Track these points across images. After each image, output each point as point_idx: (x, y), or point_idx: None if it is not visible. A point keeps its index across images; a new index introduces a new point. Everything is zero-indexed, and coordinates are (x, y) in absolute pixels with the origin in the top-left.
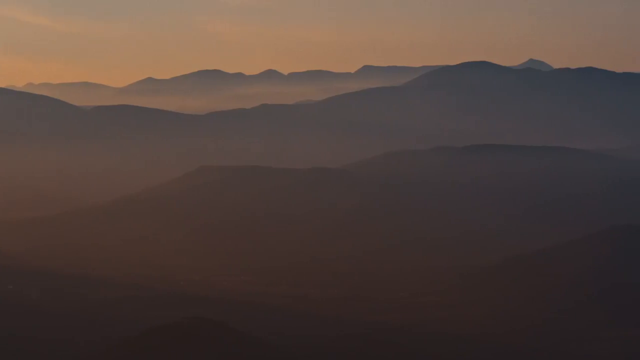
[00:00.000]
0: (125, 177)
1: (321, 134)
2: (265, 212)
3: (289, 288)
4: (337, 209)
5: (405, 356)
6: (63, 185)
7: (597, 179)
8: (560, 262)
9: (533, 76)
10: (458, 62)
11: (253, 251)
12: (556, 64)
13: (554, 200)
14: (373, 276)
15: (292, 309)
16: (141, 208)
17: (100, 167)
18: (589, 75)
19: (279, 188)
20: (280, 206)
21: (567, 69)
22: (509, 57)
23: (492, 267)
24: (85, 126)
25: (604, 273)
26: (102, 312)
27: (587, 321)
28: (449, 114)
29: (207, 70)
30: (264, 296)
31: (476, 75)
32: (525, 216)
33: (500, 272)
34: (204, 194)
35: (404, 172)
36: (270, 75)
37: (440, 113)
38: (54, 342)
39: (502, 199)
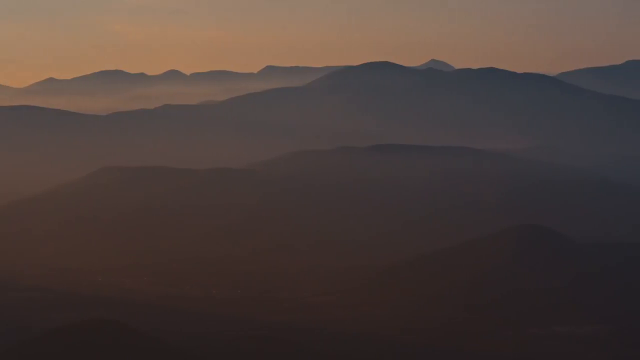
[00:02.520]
0: (27, 178)
1: (224, 134)
2: (167, 213)
3: (191, 288)
4: (239, 208)
5: (306, 356)
6: None
7: (499, 179)
8: (462, 262)
9: (435, 76)
10: (360, 63)
11: (155, 252)
12: (458, 64)
13: (456, 200)
14: (275, 276)
15: (194, 309)
16: (43, 209)
17: (1, 169)
18: (490, 75)
19: (182, 188)
20: (182, 206)
21: (469, 69)
22: (411, 58)
23: (394, 267)
24: None
25: (505, 272)
26: (1, 314)
27: (488, 321)
28: (351, 114)
29: (109, 71)
30: (166, 297)
31: (378, 76)
32: (428, 216)
33: (402, 273)
34: (107, 195)
35: (307, 172)
36: (172, 75)
37: (343, 113)
38: None
39: (404, 199)
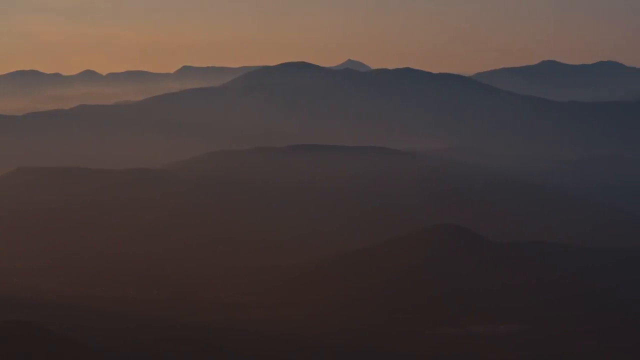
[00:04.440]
0: None
1: (141, 135)
2: (84, 213)
3: (108, 289)
4: (156, 209)
5: (225, 357)
6: None
7: (416, 179)
8: (380, 262)
9: (351, 77)
10: (277, 63)
11: (72, 252)
12: (374, 65)
13: (373, 200)
14: (193, 276)
15: (111, 310)
16: None
17: None
18: (407, 75)
19: (98, 189)
20: (99, 207)
21: (385, 70)
22: (328, 58)
23: (312, 267)
24: None
25: (422, 272)
26: None
27: (406, 321)
28: (268, 115)
29: (23, 71)
30: (83, 297)
31: (295, 76)
32: (346, 216)
33: (320, 273)
34: (22, 196)
35: (225, 172)
36: (88, 75)
37: (260, 113)
38: None
39: (323, 198)
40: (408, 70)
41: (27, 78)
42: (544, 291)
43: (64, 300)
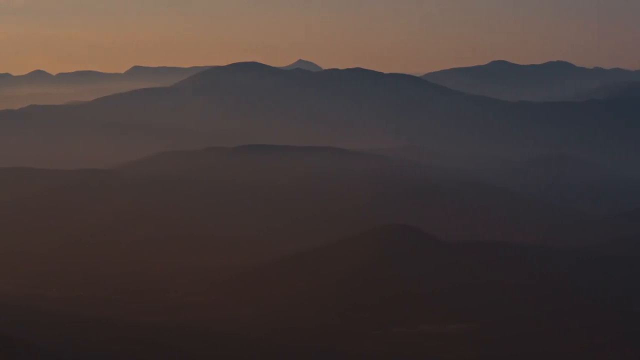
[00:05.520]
0: None
1: (91, 135)
2: (34, 214)
3: (57, 289)
4: (107, 209)
5: (176, 357)
6: None
7: (367, 179)
8: (331, 261)
9: (302, 77)
10: (228, 63)
11: (21, 253)
12: (325, 65)
13: (326, 200)
14: (144, 276)
15: (61, 311)
16: None
17: None
18: (357, 75)
19: (49, 189)
20: (49, 208)
21: (336, 70)
22: (279, 58)
23: (264, 267)
24: None
25: (373, 272)
26: None
27: (357, 320)
28: (219, 115)
29: None
30: (33, 299)
31: (246, 76)
32: (297, 216)
33: (272, 272)
34: None
35: (176, 172)
36: (38, 76)
37: (210, 113)
38: None
39: (273, 198)
40: (359, 70)
41: None
42: (494, 291)
43: (13, 302)
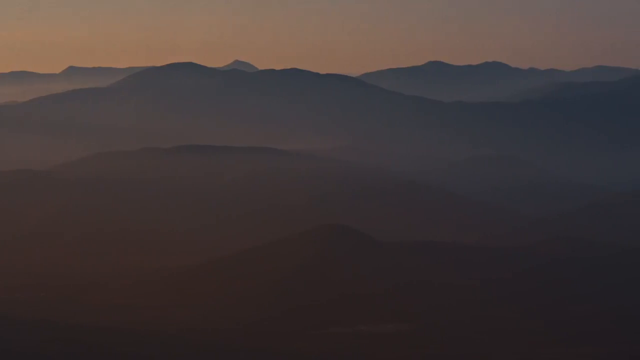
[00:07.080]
0: None
1: (26, 136)
2: None
3: None
4: (43, 210)
5: (112, 358)
6: None
7: (303, 179)
8: (267, 262)
9: (238, 77)
10: (164, 64)
11: None
12: (261, 66)
13: (263, 200)
14: (82, 277)
15: None
16: None
17: None
18: (293, 76)
19: None
20: None
21: (272, 70)
22: (215, 59)
23: (200, 268)
24: None
25: (310, 272)
26: None
27: (293, 321)
28: (155, 115)
29: None
30: None
31: (182, 77)
32: (234, 216)
33: (208, 273)
34: None
35: (112, 173)
36: None
37: (146, 114)
38: None
39: (210, 199)
40: (295, 70)
41: None
42: (432, 292)
43: None
